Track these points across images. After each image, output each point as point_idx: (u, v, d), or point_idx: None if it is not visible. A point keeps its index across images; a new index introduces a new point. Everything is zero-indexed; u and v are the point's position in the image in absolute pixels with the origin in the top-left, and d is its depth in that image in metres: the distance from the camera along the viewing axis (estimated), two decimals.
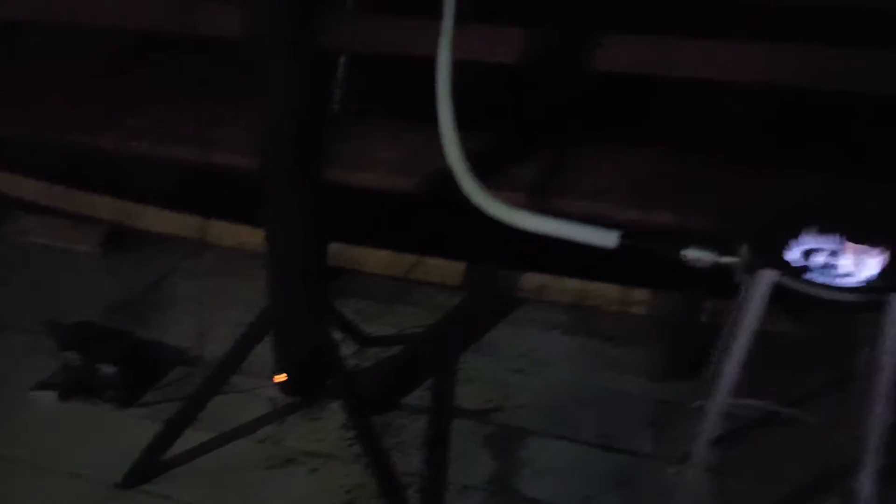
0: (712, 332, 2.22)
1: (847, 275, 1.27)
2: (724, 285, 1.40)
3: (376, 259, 2.49)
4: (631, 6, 2.20)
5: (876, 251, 1.28)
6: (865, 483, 1.32)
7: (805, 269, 1.28)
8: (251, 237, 2.43)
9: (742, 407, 1.81)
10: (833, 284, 1.24)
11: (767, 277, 1.26)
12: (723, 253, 1.39)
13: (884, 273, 1.24)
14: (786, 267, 1.28)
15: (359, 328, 2.16)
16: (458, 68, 1.95)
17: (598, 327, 2.32)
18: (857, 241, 1.32)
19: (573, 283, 2.41)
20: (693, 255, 1.40)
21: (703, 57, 2.15)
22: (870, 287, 1.23)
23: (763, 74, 2.11)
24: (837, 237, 1.35)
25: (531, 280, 2.44)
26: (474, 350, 2.23)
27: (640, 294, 2.37)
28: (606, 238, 1.46)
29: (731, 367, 1.31)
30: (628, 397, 2.06)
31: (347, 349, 2.11)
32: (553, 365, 2.18)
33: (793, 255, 1.34)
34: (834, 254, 1.32)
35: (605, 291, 2.40)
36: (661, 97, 2.30)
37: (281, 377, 1.83)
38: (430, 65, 1.73)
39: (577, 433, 1.93)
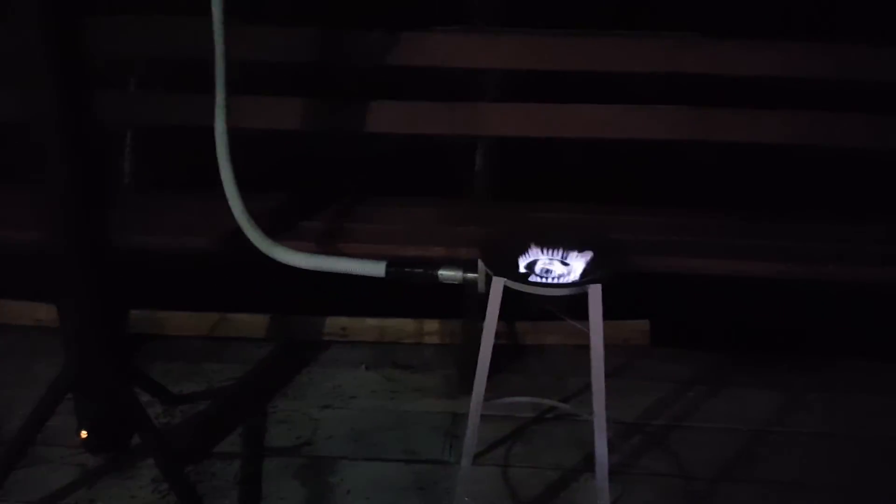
0: (498, 351, 2.55)
1: (560, 276, 1.59)
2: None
3: (180, 321, 2.59)
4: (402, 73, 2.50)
5: (583, 257, 1.60)
6: (599, 446, 1.62)
7: (527, 274, 1.59)
8: (49, 314, 2.45)
9: (518, 405, 2.11)
10: (547, 282, 1.55)
11: (498, 283, 1.55)
12: (467, 270, 1.67)
13: (584, 272, 1.57)
14: (512, 274, 1.58)
15: (166, 388, 2.24)
16: (248, 135, 2.17)
17: (398, 359, 2.55)
18: (571, 252, 1.64)
19: (373, 322, 2.63)
20: (445, 274, 1.67)
21: (465, 118, 2.49)
22: (574, 282, 1.55)
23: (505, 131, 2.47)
24: (558, 251, 1.66)
25: (334, 323, 2.63)
26: (283, 394, 2.37)
27: (432, 325, 2.63)
28: (376, 269, 1.70)
29: (482, 363, 1.57)
30: (428, 416, 2.28)
31: (156, 409, 2.19)
32: (359, 397, 2.37)
33: (520, 266, 1.64)
34: (551, 262, 1.64)
35: (401, 326, 2.64)
36: (434, 154, 2.62)
37: (83, 434, 1.87)
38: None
39: (382, 453, 2.12)
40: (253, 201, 1.97)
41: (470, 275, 1.66)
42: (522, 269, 1.63)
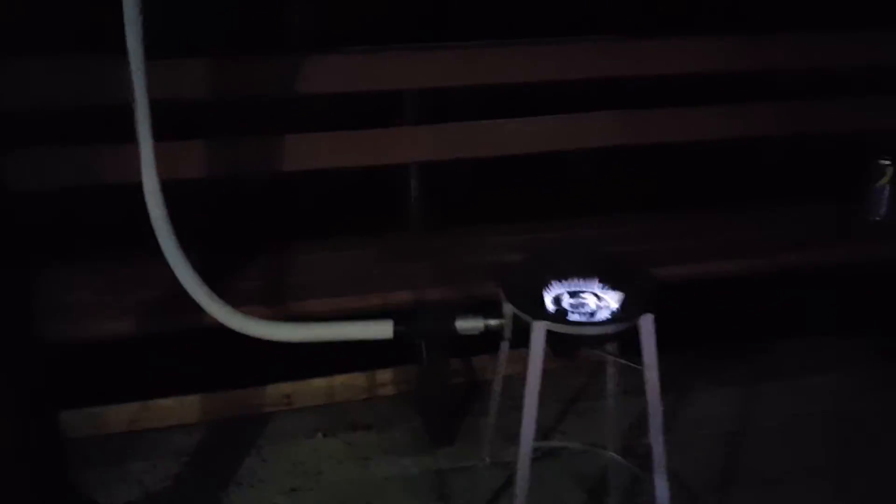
0: (462, 392, 2.36)
1: (595, 311, 1.43)
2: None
3: (91, 416, 2.17)
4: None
5: (609, 286, 1.46)
6: (660, 488, 1.48)
7: (565, 312, 1.42)
8: None
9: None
10: (593, 321, 1.39)
11: (540, 327, 1.37)
12: (487, 316, 1.47)
13: (624, 304, 1.42)
14: (554, 315, 1.40)
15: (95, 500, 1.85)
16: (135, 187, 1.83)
17: (356, 419, 2.29)
18: (591, 280, 1.49)
19: (320, 383, 2.36)
20: (463, 325, 1.46)
21: (388, 145, 2.28)
22: (622, 317, 1.40)
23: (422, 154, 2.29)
24: (577, 279, 1.51)
25: (276, 392, 2.33)
26: (237, 483, 2.05)
27: (384, 375, 2.39)
28: (382, 330, 1.46)
29: (528, 415, 1.38)
30: (409, 478, 2.06)
31: None
32: (326, 472, 2.10)
33: (546, 303, 1.47)
34: (576, 295, 1.48)
35: (351, 382, 2.38)
36: (361, 186, 2.39)
37: None
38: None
39: None
40: (160, 265, 1.62)
41: (493, 322, 1.47)
42: (552, 306, 1.46)
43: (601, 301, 1.45)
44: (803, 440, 2.16)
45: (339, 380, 2.37)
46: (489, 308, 1.53)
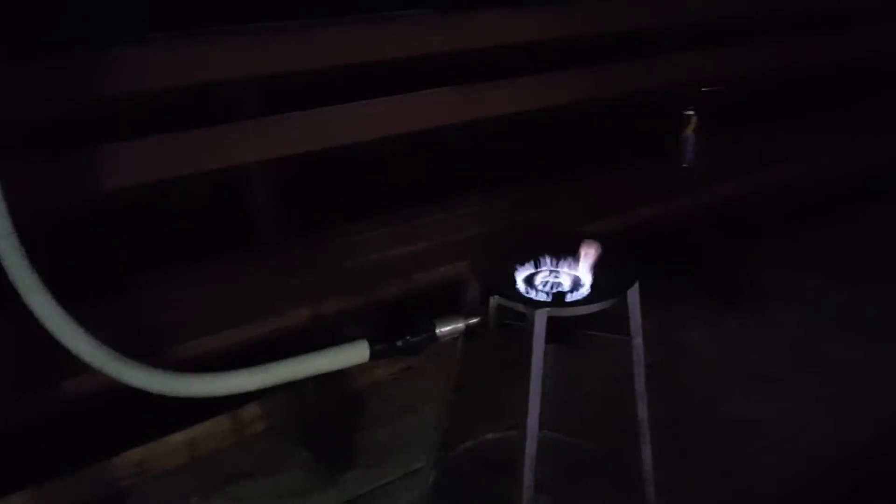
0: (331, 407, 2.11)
1: (576, 288, 1.35)
2: None
3: None
4: None
5: (580, 257, 1.38)
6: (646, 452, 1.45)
7: (562, 294, 1.31)
8: None
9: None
10: (589, 300, 1.30)
11: (542, 315, 1.25)
12: (467, 315, 1.31)
13: (599, 277, 1.35)
14: (554, 301, 1.29)
15: None
16: None
17: (233, 470, 1.96)
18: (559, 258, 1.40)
19: (176, 439, 1.97)
20: (445, 329, 1.29)
21: (213, 146, 1.94)
22: (612, 291, 1.33)
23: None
24: (545, 260, 1.40)
25: (125, 462, 1.90)
26: None
27: (250, 411, 2.08)
28: (358, 354, 1.23)
29: (533, 405, 1.26)
30: None
31: None
32: None
33: (522, 288, 1.35)
34: (550, 275, 1.38)
35: (214, 429, 2.03)
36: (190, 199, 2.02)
37: None
38: None
39: None
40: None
41: (472, 320, 1.30)
42: (532, 291, 1.34)
43: (571, 278, 1.36)
44: None
45: (199, 429, 2.00)
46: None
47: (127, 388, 1.19)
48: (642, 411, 1.43)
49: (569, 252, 1.38)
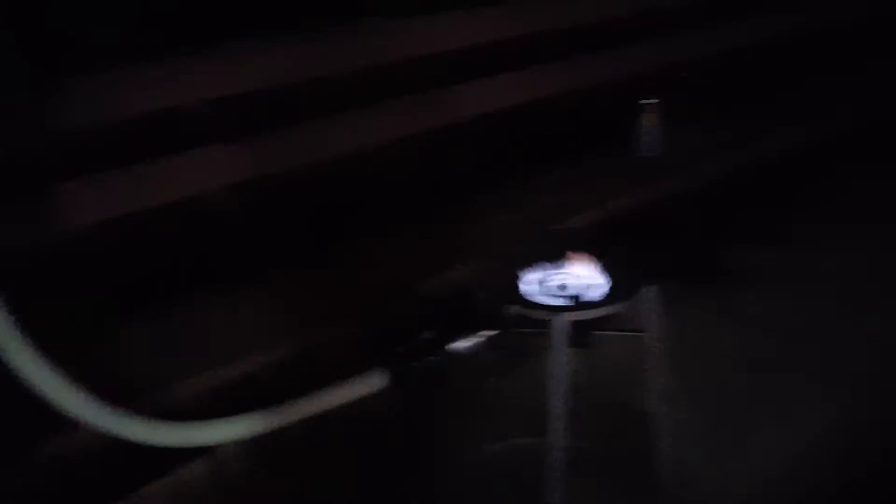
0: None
1: (588, 289, 1.31)
2: None
3: None
4: None
5: (583, 258, 1.35)
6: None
7: (577, 298, 1.27)
8: None
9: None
10: (609, 302, 1.26)
11: (563, 320, 1.21)
12: (483, 327, 1.27)
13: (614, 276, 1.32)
14: (578, 306, 1.25)
15: None
16: None
17: None
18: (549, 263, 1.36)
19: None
20: (460, 346, 1.24)
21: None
22: (630, 290, 1.29)
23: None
24: (544, 265, 1.36)
25: None
26: None
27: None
28: (377, 381, 1.17)
29: (557, 410, 1.23)
30: None
31: None
32: None
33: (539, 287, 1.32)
34: (555, 278, 1.34)
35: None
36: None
37: None
38: None
39: None
40: None
41: (484, 332, 1.26)
42: (553, 297, 1.30)
43: (581, 278, 1.33)
44: None
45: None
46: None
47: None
48: (664, 406, 1.41)
49: (571, 253, 1.35)
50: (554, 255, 1.37)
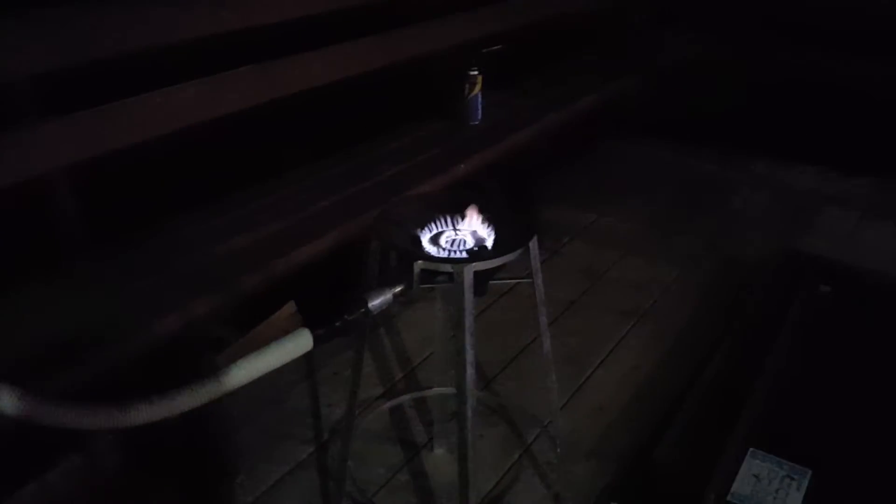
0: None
1: (477, 242, 1.40)
2: None
3: None
4: None
5: (468, 213, 1.44)
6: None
7: (485, 249, 1.36)
8: None
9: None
10: (508, 251, 1.36)
11: (469, 271, 1.30)
12: (392, 284, 1.32)
13: (501, 229, 1.42)
14: (483, 255, 1.33)
15: None
16: None
17: None
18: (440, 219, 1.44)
19: None
20: (376, 301, 1.28)
21: None
22: (519, 242, 1.40)
23: None
24: (435, 220, 1.43)
25: None
26: None
27: None
28: (303, 344, 1.18)
29: (469, 360, 1.32)
30: None
31: None
32: None
33: (433, 245, 1.39)
34: (446, 232, 1.43)
35: None
36: None
37: None
38: None
39: None
40: None
41: (398, 288, 1.31)
42: (443, 251, 1.38)
43: (470, 233, 1.42)
44: None
45: None
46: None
47: None
48: (547, 346, 1.55)
49: (455, 211, 1.43)
50: (441, 213, 1.44)
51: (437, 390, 1.83)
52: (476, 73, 2.60)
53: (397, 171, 2.25)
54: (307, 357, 1.30)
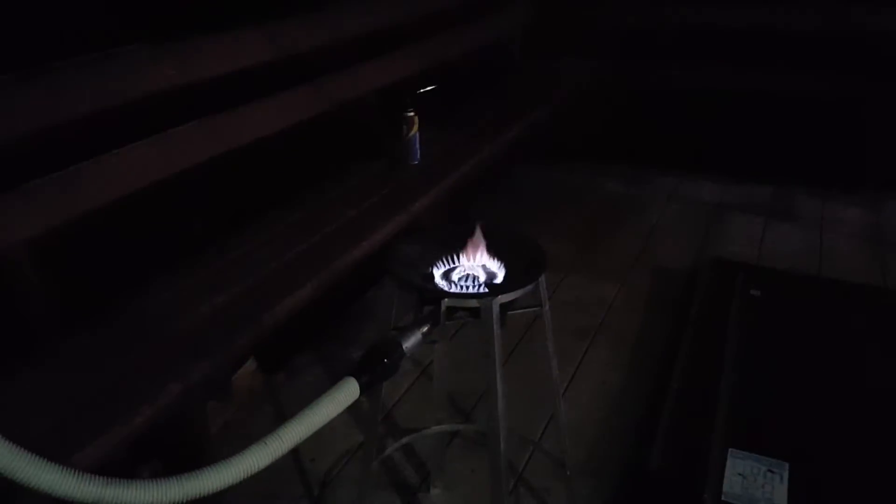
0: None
1: (488, 278, 1.44)
2: None
3: None
4: None
5: (474, 250, 1.47)
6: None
7: (490, 283, 1.39)
8: None
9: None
10: (527, 283, 1.39)
11: (495, 304, 1.33)
12: (421, 325, 1.33)
13: (511, 264, 1.46)
14: (502, 287, 1.36)
15: None
16: None
17: None
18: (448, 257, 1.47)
19: None
20: (409, 344, 1.28)
21: None
22: (533, 274, 1.43)
23: None
24: (443, 258, 1.46)
25: None
26: None
27: None
28: (351, 393, 1.17)
29: (498, 395, 1.35)
30: None
31: None
32: None
33: (447, 282, 1.41)
34: (457, 270, 1.45)
35: None
36: None
37: None
38: None
39: None
40: None
41: (425, 328, 1.31)
42: (455, 287, 1.41)
43: (482, 268, 1.46)
44: None
45: None
46: None
47: None
48: (555, 372, 1.60)
49: (460, 247, 1.46)
50: (446, 250, 1.47)
51: (436, 429, 1.83)
52: (412, 113, 2.64)
53: (356, 214, 2.25)
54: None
